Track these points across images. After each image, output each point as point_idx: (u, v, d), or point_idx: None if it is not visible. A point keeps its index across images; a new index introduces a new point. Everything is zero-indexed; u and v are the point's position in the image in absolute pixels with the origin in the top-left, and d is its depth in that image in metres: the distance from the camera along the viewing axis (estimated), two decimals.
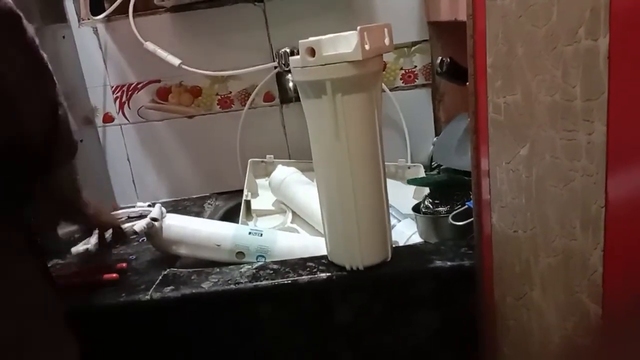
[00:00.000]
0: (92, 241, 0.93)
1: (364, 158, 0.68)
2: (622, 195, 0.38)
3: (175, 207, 1.17)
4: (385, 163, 1.11)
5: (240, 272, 0.76)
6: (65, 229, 0.97)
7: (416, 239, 0.84)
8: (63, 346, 0.56)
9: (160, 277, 0.78)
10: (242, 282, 0.73)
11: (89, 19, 1.14)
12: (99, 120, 1.21)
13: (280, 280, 0.72)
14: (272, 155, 1.15)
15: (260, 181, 1.14)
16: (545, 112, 0.45)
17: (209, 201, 1.19)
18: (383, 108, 1.14)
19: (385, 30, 0.66)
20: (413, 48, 1.13)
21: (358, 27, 0.60)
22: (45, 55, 0.53)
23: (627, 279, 0.39)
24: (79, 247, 0.90)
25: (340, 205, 0.69)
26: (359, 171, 0.68)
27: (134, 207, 1.16)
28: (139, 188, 1.24)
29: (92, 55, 1.16)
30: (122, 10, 1.11)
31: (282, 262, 0.77)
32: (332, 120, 0.65)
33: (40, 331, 0.53)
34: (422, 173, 1.08)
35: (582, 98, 0.40)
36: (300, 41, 0.63)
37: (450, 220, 0.74)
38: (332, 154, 0.67)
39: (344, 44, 0.62)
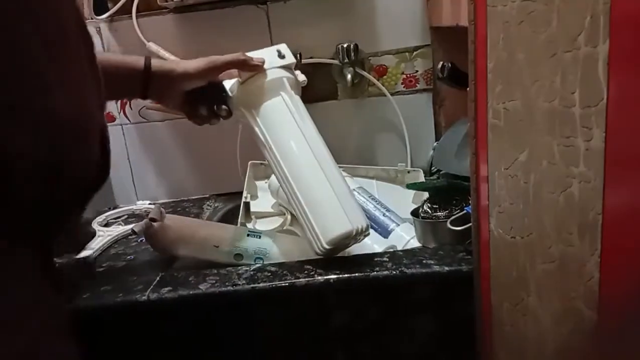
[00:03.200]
0: (95, 246, 0.93)
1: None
2: (619, 202, 0.38)
3: (175, 207, 1.17)
4: (385, 167, 1.13)
5: (238, 273, 0.76)
6: None
7: (414, 243, 0.84)
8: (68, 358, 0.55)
9: (157, 278, 0.78)
10: (239, 284, 0.73)
11: (92, 19, 1.14)
12: None
13: (277, 283, 0.72)
14: None
15: (260, 183, 1.14)
16: (544, 118, 0.45)
17: (208, 202, 1.18)
18: (384, 112, 1.16)
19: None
20: (415, 53, 1.13)
21: None
22: None
23: (623, 285, 0.39)
24: (81, 254, 0.90)
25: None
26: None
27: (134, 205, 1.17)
28: (138, 188, 1.24)
29: None
30: (125, 10, 1.11)
31: (280, 265, 0.77)
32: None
33: (49, 346, 0.53)
34: (421, 178, 1.08)
35: (580, 104, 0.40)
36: None
37: (449, 225, 0.74)
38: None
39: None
